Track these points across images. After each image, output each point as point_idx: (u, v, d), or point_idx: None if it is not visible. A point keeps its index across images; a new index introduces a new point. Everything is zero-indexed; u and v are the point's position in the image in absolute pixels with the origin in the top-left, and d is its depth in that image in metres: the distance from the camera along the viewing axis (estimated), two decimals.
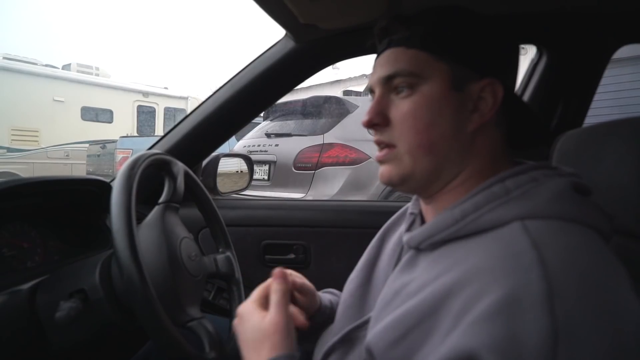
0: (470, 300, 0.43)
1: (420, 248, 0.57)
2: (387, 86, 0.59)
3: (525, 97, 1.22)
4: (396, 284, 0.58)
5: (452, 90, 0.55)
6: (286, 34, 1.06)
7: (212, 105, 1.17)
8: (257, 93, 1.15)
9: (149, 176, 0.80)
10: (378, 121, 0.58)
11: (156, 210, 0.85)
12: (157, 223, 0.82)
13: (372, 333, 0.54)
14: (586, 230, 0.48)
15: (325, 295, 0.83)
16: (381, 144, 0.59)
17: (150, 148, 1.24)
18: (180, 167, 0.91)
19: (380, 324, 0.54)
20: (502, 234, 0.48)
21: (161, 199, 0.87)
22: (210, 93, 1.20)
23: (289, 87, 1.16)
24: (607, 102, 5.64)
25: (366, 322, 0.64)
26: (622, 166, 0.59)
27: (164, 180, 0.90)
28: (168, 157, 0.89)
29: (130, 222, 0.68)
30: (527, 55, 1.30)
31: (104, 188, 1.06)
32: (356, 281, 0.72)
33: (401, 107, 0.57)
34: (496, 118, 0.57)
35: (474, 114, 0.56)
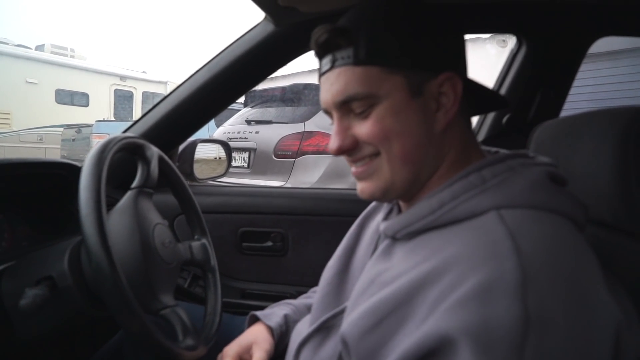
0: (447, 288, 0.44)
1: (397, 237, 0.57)
2: (343, 109, 0.56)
3: (504, 87, 1.23)
4: (372, 272, 0.58)
5: (412, 98, 0.54)
6: (265, 17, 1.04)
7: (188, 88, 1.14)
8: (235, 77, 1.13)
9: (122, 160, 0.77)
10: (347, 147, 0.56)
11: (128, 195, 0.83)
12: (129, 208, 0.80)
13: (347, 322, 0.55)
14: (561, 220, 0.49)
15: (278, 315, 0.83)
16: (358, 160, 0.58)
17: (124, 132, 1.20)
18: (154, 151, 0.89)
19: (354, 313, 0.54)
20: (479, 223, 0.48)
21: (134, 184, 0.85)
22: (188, 76, 1.17)
23: (269, 72, 1.14)
24: (585, 96, 5.76)
25: (342, 311, 0.64)
26: (597, 157, 0.60)
27: (137, 165, 0.87)
28: (141, 141, 0.86)
29: (99, 206, 0.66)
30: (507, 47, 1.31)
31: (75, 172, 1.03)
32: (334, 269, 0.72)
33: (365, 127, 0.55)
34: (459, 107, 0.56)
35: (438, 113, 0.55)
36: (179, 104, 1.15)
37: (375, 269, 0.58)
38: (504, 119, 1.20)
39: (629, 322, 0.45)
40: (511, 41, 1.26)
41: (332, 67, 0.55)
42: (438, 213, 0.52)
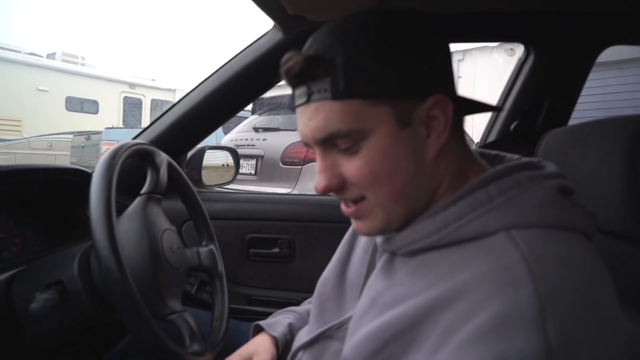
0: (460, 318, 0.42)
1: (397, 253, 0.55)
2: (326, 145, 0.51)
3: (512, 95, 1.23)
4: (372, 291, 0.56)
5: (400, 129, 0.49)
6: (274, 25, 1.05)
7: (198, 96, 1.16)
8: (243, 85, 1.14)
9: (132, 167, 0.78)
10: (334, 187, 0.52)
11: (138, 201, 0.84)
12: (139, 214, 0.81)
13: (349, 344, 0.53)
14: (574, 237, 0.46)
15: (282, 324, 0.83)
16: (347, 201, 0.54)
17: (134, 138, 1.22)
18: (163, 157, 0.90)
19: (357, 335, 0.52)
20: (489, 245, 0.46)
21: (143, 190, 0.85)
22: (197, 84, 1.18)
23: (277, 80, 1.15)
24: (593, 105, 5.73)
25: (341, 324, 0.63)
26: (605, 165, 0.60)
27: (146, 171, 0.88)
28: (151, 148, 0.87)
29: (109, 212, 0.67)
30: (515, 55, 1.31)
31: (85, 178, 1.04)
32: (331, 281, 0.71)
33: (352, 165, 0.50)
34: (451, 128, 0.52)
35: (429, 139, 0.51)
36: (188, 111, 1.17)
37: (375, 287, 0.56)
38: (512, 126, 1.20)
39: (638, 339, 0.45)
40: (519, 50, 1.26)
41: (308, 101, 0.49)
42: (443, 233, 0.48)
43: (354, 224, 0.56)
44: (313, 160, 3.58)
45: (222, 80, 1.13)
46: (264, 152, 3.81)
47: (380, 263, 0.58)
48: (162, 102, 9.55)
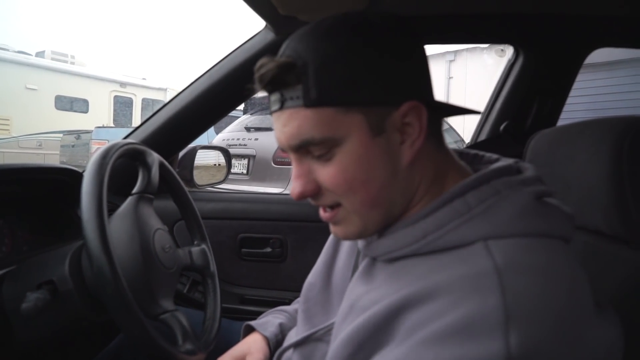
0: (427, 317, 0.43)
1: (377, 259, 0.56)
2: (300, 152, 0.51)
3: (502, 95, 1.25)
4: (351, 296, 0.56)
5: (374, 137, 0.49)
6: (266, 25, 1.05)
7: (189, 95, 1.16)
8: (235, 85, 1.14)
9: (123, 166, 0.78)
10: (309, 193, 0.52)
11: (129, 200, 0.84)
12: (130, 214, 0.81)
13: (330, 350, 0.53)
14: (553, 243, 0.47)
15: (273, 324, 0.83)
16: (324, 206, 0.55)
17: (124, 138, 1.21)
18: (155, 157, 0.90)
19: (336, 342, 0.53)
20: (465, 254, 0.46)
21: (134, 190, 0.85)
22: (188, 83, 1.18)
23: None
24: (583, 106, 5.80)
25: (327, 327, 0.64)
26: (592, 165, 0.61)
27: (137, 171, 0.88)
28: (142, 147, 0.87)
29: (101, 211, 0.67)
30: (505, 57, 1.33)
31: (76, 178, 1.04)
32: (317, 286, 0.72)
33: (326, 173, 0.50)
34: (427, 133, 0.51)
35: (403, 145, 0.51)
36: (180, 110, 1.17)
37: (354, 293, 0.56)
38: (502, 127, 1.21)
39: (617, 343, 0.46)
40: (509, 51, 1.27)
41: (281, 108, 0.50)
42: (422, 242, 0.49)
43: (332, 229, 0.57)
44: None
45: (213, 80, 1.13)
46: (255, 152, 3.81)
47: (360, 267, 0.59)
48: (153, 101, 9.49)
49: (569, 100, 1.24)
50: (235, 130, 4.28)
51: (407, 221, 0.52)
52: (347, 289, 0.60)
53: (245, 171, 3.87)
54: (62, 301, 0.76)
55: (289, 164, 3.62)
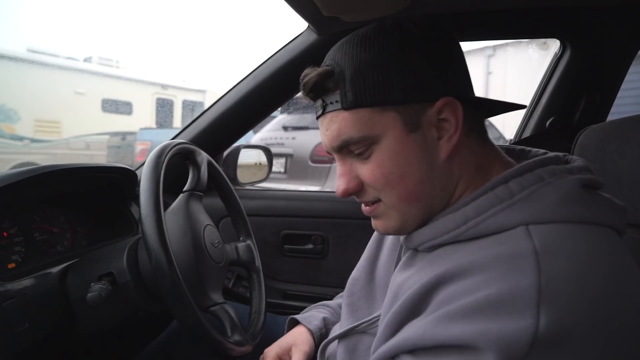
0: (458, 292, 0.44)
1: (419, 250, 0.57)
2: (343, 152, 0.56)
3: (547, 91, 1.21)
4: (394, 286, 0.58)
5: (409, 133, 0.52)
6: (308, 27, 1.07)
7: (234, 97, 1.19)
8: (278, 86, 1.17)
9: (172, 165, 0.82)
10: (353, 190, 0.56)
11: (181, 198, 0.88)
12: (182, 210, 0.85)
13: (375, 339, 0.55)
14: (599, 231, 0.46)
15: (317, 318, 0.85)
16: (366, 202, 0.58)
17: (173, 138, 1.27)
18: (204, 156, 0.94)
19: (380, 328, 0.55)
20: (505, 237, 0.46)
21: (186, 187, 0.89)
22: (232, 85, 1.22)
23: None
24: (632, 99, 5.51)
25: (372, 321, 0.66)
26: None
27: (187, 170, 0.92)
28: (193, 147, 0.91)
29: (158, 208, 0.71)
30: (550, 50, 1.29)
31: (129, 176, 1.09)
32: (361, 281, 0.74)
33: (366, 169, 0.54)
34: (464, 128, 0.53)
35: (440, 141, 0.53)
36: (225, 111, 1.21)
37: (396, 283, 0.58)
38: (548, 122, 1.18)
39: None
40: (553, 44, 1.24)
41: (324, 113, 0.55)
42: (463, 228, 0.50)
43: (373, 223, 0.60)
44: None
45: (257, 82, 1.16)
46: (293, 151, 3.86)
47: (403, 259, 0.61)
48: (193, 102, 9.73)
49: (618, 94, 1.19)
50: (273, 129, 4.34)
51: (448, 211, 0.54)
52: (390, 282, 0.61)
53: (282, 170, 3.92)
54: (120, 292, 0.80)
55: (327, 162, 3.64)
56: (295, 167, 3.83)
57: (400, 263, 0.61)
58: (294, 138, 3.98)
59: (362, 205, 0.59)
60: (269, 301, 1.26)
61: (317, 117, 0.57)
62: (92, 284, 0.77)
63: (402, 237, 0.61)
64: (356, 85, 0.51)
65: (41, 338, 0.77)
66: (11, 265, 0.86)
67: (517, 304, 0.40)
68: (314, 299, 1.03)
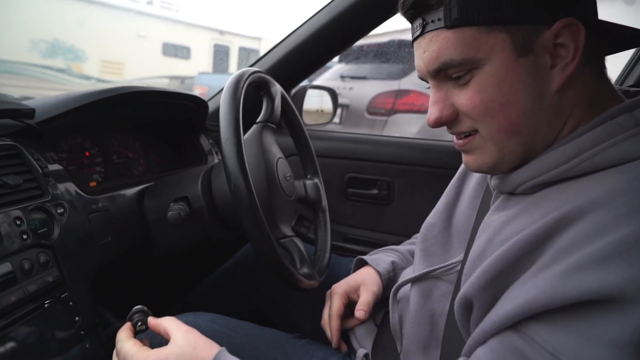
0: (581, 237, 0.38)
1: (516, 192, 0.51)
2: (440, 77, 0.50)
3: None
4: (487, 232, 0.52)
5: (518, 58, 0.45)
6: None
7: (308, 29, 1.14)
8: (357, 18, 1.10)
9: (246, 94, 0.80)
10: (446, 119, 0.51)
11: (254, 128, 0.86)
12: (256, 141, 0.83)
13: (467, 283, 0.50)
14: None
15: (385, 261, 0.82)
16: (459, 134, 0.52)
17: (251, 66, 1.24)
18: (278, 88, 0.91)
19: (474, 274, 0.49)
20: (630, 168, 0.41)
21: (259, 118, 0.88)
22: (306, 19, 1.17)
23: (394, 11, 1.10)
24: None
25: (449, 266, 0.64)
26: None
27: (257, 103, 0.90)
28: (268, 77, 0.88)
29: (238, 132, 0.69)
30: None
31: (202, 106, 1.09)
32: (437, 227, 0.70)
33: (464, 96, 0.48)
34: (582, 58, 0.46)
35: (554, 69, 0.46)
36: (300, 44, 1.16)
37: (491, 228, 0.52)
38: None
39: None
40: None
41: (422, 33, 0.49)
42: (575, 161, 0.44)
43: (464, 158, 0.54)
44: (399, 112, 3.49)
45: (334, 14, 1.10)
46: (349, 101, 3.78)
47: (495, 204, 0.55)
48: (249, 50, 9.72)
49: None
50: (330, 79, 4.26)
51: (556, 145, 0.48)
52: (480, 228, 0.56)
53: (338, 120, 3.87)
54: (194, 217, 0.82)
55: (383, 115, 3.55)
56: (351, 118, 3.76)
57: (492, 209, 0.55)
58: (351, 88, 3.88)
59: (454, 138, 0.54)
60: (332, 243, 1.26)
61: (414, 40, 0.51)
62: (172, 204, 0.78)
63: (492, 181, 0.56)
64: (463, 0, 0.45)
65: (121, 253, 0.81)
66: (92, 184, 0.89)
67: None
68: (376, 245, 1.01)
